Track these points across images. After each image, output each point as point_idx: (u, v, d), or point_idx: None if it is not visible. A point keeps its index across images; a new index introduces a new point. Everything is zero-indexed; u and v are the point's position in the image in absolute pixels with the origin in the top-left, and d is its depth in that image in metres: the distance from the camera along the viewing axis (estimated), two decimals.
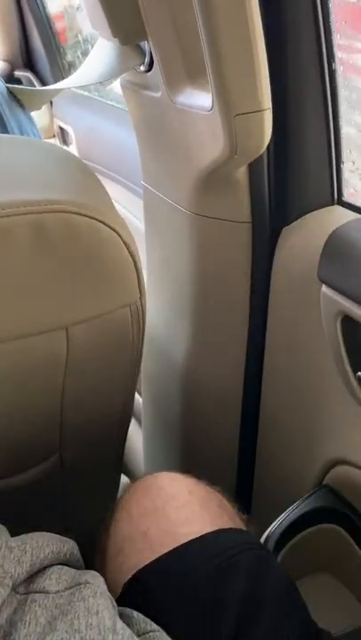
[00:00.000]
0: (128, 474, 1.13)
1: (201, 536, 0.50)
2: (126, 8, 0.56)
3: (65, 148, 1.39)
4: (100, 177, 1.34)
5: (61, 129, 1.38)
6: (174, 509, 0.53)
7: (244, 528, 0.56)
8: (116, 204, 1.32)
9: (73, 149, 1.33)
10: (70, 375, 0.58)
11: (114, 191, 1.20)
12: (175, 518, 0.52)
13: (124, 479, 1.10)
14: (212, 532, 0.51)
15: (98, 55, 0.68)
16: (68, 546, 0.52)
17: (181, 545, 0.49)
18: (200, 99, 0.54)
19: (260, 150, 0.55)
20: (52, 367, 0.57)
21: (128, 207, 1.15)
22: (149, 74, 0.61)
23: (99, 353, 0.59)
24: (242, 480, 0.84)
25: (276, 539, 0.63)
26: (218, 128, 0.52)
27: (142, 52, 0.62)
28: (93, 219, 0.50)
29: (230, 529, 0.52)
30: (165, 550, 0.50)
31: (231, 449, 0.82)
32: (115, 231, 0.52)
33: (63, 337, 0.54)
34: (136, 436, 1.09)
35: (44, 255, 0.48)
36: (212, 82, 0.50)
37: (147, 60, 0.61)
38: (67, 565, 0.51)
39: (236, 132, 0.52)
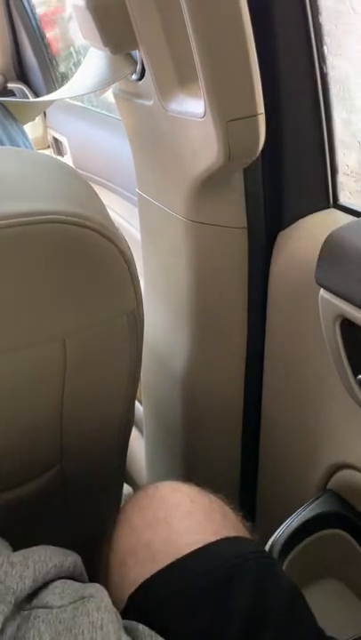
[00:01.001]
0: (131, 483, 1.12)
1: (204, 546, 0.50)
2: (117, 17, 0.56)
3: (59, 158, 1.40)
4: (95, 186, 1.35)
5: (55, 139, 1.38)
6: (177, 519, 0.53)
7: (249, 536, 0.55)
8: (112, 213, 1.32)
9: (68, 159, 1.34)
10: (68, 385, 0.58)
11: (110, 200, 1.21)
12: (178, 528, 0.52)
13: (127, 488, 1.10)
14: (215, 542, 0.50)
15: (89, 65, 0.68)
16: (70, 559, 0.51)
17: (185, 555, 0.49)
18: (192, 105, 0.54)
19: (254, 155, 0.55)
20: (50, 377, 0.56)
21: (125, 216, 1.15)
22: (141, 82, 0.61)
23: (96, 362, 0.59)
24: (245, 487, 0.83)
25: (281, 545, 0.62)
26: (211, 134, 0.52)
27: (134, 61, 0.62)
28: (87, 228, 0.49)
29: (234, 537, 0.52)
30: (169, 561, 0.49)
31: (234, 456, 0.82)
32: (110, 240, 0.51)
33: (60, 347, 0.54)
34: (138, 445, 1.08)
35: (39, 266, 0.48)
36: (203, 88, 0.50)
37: (138, 68, 0.61)
38: (70, 579, 0.50)
39: (229, 137, 0.52)
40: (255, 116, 0.51)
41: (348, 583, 0.67)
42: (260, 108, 0.51)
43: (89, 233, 0.50)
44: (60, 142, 1.36)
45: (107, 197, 1.21)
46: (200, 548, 0.49)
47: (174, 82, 0.56)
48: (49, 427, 0.62)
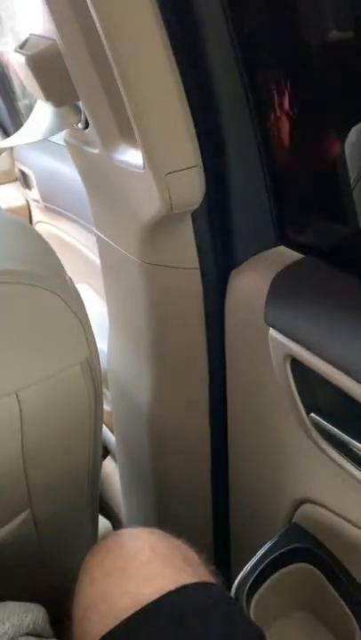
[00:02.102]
0: (112, 517, 1.12)
1: (162, 596, 0.50)
2: (56, 73, 0.56)
3: (27, 191, 1.40)
4: (61, 219, 1.34)
5: (22, 173, 1.39)
6: (136, 569, 0.53)
7: (211, 579, 0.55)
8: (79, 245, 1.30)
9: (34, 192, 1.34)
10: (28, 436, 0.58)
11: (77, 233, 1.21)
12: (137, 578, 0.52)
13: (106, 522, 1.09)
14: (174, 591, 0.50)
15: (39, 113, 0.69)
16: (31, 615, 0.51)
17: (142, 608, 0.49)
18: (134, 157, 0.55)
19: (195, 205, 0.55)
20: (7, 431, 0.56)
21: (92, 249, 1.15)
22: (87, 131, 0.62)
23: (54, 412, 0.59)
24: (218, 520, 0.83)
25: (249, 583, 0.63)
26: (152, 186, 0.53)
27: (79, 110, 0.63)
28: (32, 285, 0.50)
29: (194, 584, 0.52)
30: (128, 614, 0.49)
31: (204, 488, 0.82)
32: (55, 294, 0.52)
33: (14, 401, 0.54)
34: (117, 477, 1.08)
35: None
36: (140, 143, 0.51)
37: (83, 117, 0.62)
38: (30, 635, 0.50)
39: (169, 189, 0.52)
40: (193, 167, 0.52)
41: (317, 615, 0.68)
42: (198, 160, 0.52)
43: (33, 289, 0.50)
44: (27, 175, 1.36)
45: (74, 230, 1.22)
46: (157, 599, 0.49)
47: (116, 133, 0.57)
48: (12, 475, 0.62)
